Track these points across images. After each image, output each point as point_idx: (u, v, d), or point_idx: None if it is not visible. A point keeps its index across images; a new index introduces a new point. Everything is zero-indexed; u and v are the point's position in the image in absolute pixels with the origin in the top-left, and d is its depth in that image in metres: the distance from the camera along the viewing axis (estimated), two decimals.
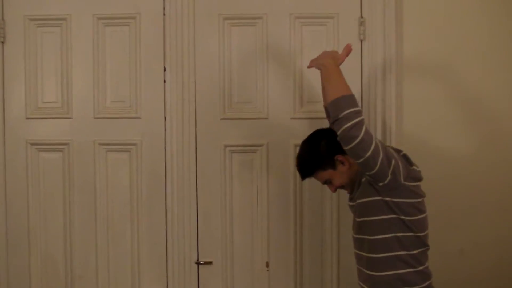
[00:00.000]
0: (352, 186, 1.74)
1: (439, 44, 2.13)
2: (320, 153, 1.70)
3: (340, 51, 1.76)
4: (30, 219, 2.24)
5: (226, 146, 2.19)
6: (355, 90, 2.08)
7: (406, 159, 1.72)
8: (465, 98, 2.15)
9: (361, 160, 1.53)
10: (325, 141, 1.70)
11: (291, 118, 2.19)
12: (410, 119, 2.14)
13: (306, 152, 1.74)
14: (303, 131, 2.08)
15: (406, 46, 2.14)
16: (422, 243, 1.66)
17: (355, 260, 1.78)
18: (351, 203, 1.77)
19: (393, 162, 1.57)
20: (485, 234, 2.15)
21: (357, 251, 1.75)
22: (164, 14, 2.18)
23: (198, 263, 2.20)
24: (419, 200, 1.66)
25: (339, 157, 1.69)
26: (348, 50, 1.73)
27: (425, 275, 1.67)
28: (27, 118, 2.23)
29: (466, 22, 2.14)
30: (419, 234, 1.64)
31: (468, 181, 2.14)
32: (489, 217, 2.15)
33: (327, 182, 1.75)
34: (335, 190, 1.78)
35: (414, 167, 1.70)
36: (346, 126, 1.51)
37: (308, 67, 1.81)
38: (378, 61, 2.14)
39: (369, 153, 1.51)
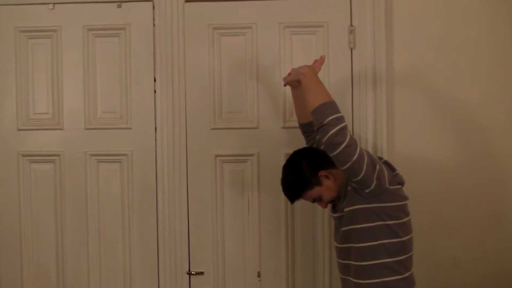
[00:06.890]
0: (338, 198, 1.75)
1: (429, 52, 2.13)
2: (303, 173, 1.71)
3: (330, 60, 1.80)
4: (22, 230, 2.25)
5: (217, 156, 2.19)
6: (346, 99, 2.12)
7: (388, 165, 1.74)
8: (455, 106, 2.14)
9: (347, 165, 1.54)
10: (306, 161, 1.72)
11: (282, 127, 2.18)
12: (401, 128, 2.14)
13: (289, 176, 1.75)
14: (294, 140, 2.09)
15: (397, 54, 2.14)
16: (408, 248, 1.67)
17: (340, 271, 1.79)
18: (335, 214, 1.77)
19: (377, 166, 1.59)
20: (478, 242, 2.14)
21: (342, 261, 1.75)
22: (154, 25, 2.19)
23: (189, 273, 2.20)
24: (404, 202, 1.68)
25: (323, 173, 1.70)
26: (322, 59, 1.79)
27: (410, 282, 1.68)
28: (19, 130, 2.24)
29: (456, 30, 2.13)
30: (404, 239, 1.65)
31: (460, 189, 2.14)
32: (481, 224, 2.14)
33: (316, 200, 1.76)
34: (326, 206, 1.79)
35: (397, 172, 1.73)
36: (331, 132, 1.54)
37: (285, 83, 1.85)
38: (369, 70, 2.13)
39: (355, 157, 1.53)
